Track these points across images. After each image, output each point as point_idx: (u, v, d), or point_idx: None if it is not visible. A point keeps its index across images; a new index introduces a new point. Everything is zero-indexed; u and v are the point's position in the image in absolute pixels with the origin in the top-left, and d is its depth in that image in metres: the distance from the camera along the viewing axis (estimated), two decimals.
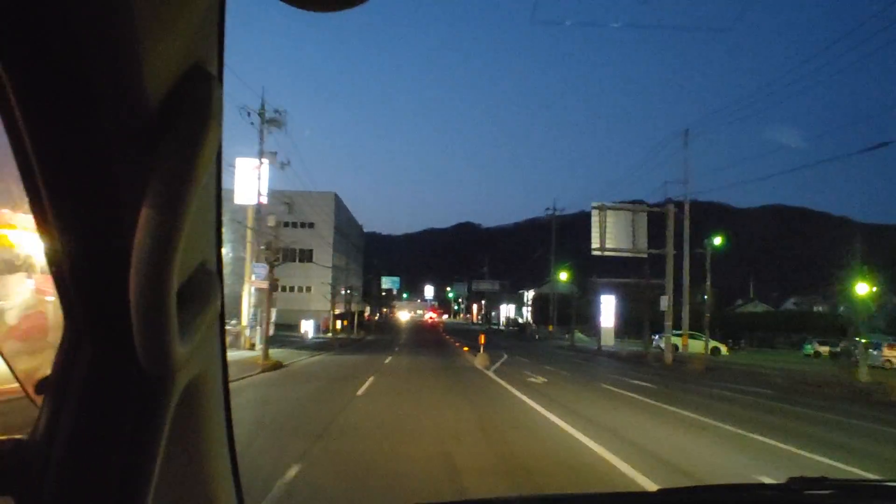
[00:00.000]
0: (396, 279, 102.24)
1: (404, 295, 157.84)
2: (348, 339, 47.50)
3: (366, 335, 56.53)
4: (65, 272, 0.76)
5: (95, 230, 0.74)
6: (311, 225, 68.81)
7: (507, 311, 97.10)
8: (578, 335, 61.43)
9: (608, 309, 49.14)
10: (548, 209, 64.44)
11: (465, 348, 34.07)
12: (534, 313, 73.23)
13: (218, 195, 0.91)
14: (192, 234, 0.72)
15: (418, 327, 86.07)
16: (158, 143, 0.68)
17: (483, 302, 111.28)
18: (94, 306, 0.78)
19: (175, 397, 0.84)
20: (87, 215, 0.73)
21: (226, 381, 1.07)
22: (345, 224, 73.76)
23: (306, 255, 69.36)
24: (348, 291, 53.77)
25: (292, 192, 60.76)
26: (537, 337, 61.46)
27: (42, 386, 0.83)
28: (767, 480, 6.00)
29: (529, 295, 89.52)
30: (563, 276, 61.07)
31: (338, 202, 71.97)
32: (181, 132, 0.69)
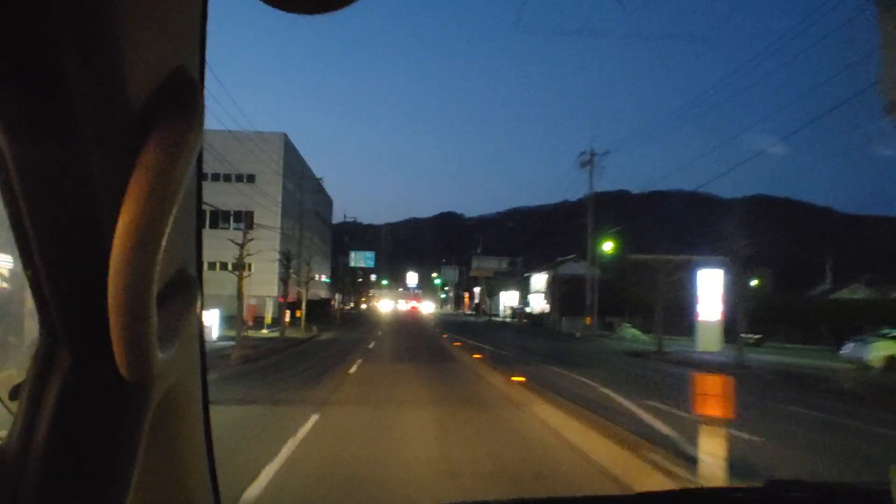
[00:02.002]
0: (371, 255, 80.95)
1: (384, 282, 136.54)
2: (281, 342, 27.06)
3: (319, 333, 35.97)
4: (41, 277, 0.72)
5: (73, 234, 0.71)
6: (252, 178, 47.98)
7: (507, 299, 76.89)
8: (632, 332, 41.46)
9: (712, 293, 29.13)
10: (583, 153, 44.41)
11: (517, 378, 13.58)
12: (554, 301, 53.21)
13: (198, 199, 0.89)
14: (173, 239, 0.70)
15: (400, 320, 64.53)
16: (140, 146, 0.66)
17: (478, 289, 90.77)
18: (72, 312, 0.75)
19: (153, 404, 0.81)
20: (65, 219, 0.70)
21: (205, 388, 1.03)
22: (299, 179, 52.82)
23: (244, 221, 48.72)
24: (291, 267, 33.18)
25: (217, 132, 39.65)
26: (578, 335, 41.24)
27: (17, 392, 0.79)
28: None
29: (540, 278, 69.45)
30: (609, 245, 41.13)
31: (289, 148, 51.08)
32: (163, 136, 0.66)
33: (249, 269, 46.44)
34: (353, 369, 16.73)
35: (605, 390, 13.43)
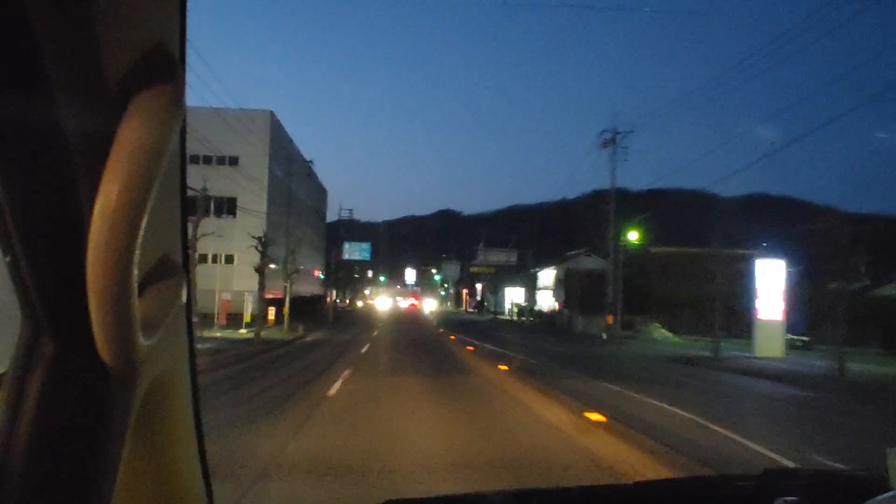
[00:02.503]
0: (367, 246, 74.87)
1: (381, 278, 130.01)
2: (254, 346, 21.95)
3: (305, 333, 30.90)
4: (21, 263, 0.69)
5: (52, 219, 0.68)
6: (235, 161, 42.76)
7: (513, 296, 71.87)
8: (662, 332, 36.49)
9: (774, 289, 24.11)
10: (605, 132, 39.32)
11: (593, 414, 8.40)
12: (570, 298, 48.17)
13: (182, 183, 0.86)
14: (155, 224, 0.67)
15: (398, 318, 58.29)
16: (119, 127, 0.63)
17: (480, 286, 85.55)
18: (54, 299, 0.72)
19: (140, 394, 0.79)
20: (43, 203, 0.67)
21: (194, 377, 1.00)
22: (287, 162, 47.63)
23: (226, 207, 43.50)
24: (268, 255, 28.15)
25: (198, 109, 34.39)
26: (603, 337, 36.06)
27: None
28: None
29: (547, 274, 64.55)
30: (634, 235, 36.25)
31: (276, 127, 45.89)
32: (140, 112, 0.64)
33: (231, 261, 41.47)
34: (334, 388, 11.63)
35: (725, 431, 8.36)
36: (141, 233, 0.63)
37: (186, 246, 0.89)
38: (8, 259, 0.68)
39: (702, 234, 38.02)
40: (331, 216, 71.04)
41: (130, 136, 0.62)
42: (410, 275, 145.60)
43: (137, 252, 0.64)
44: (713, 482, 1.86)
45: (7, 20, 0.56)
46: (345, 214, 69.42)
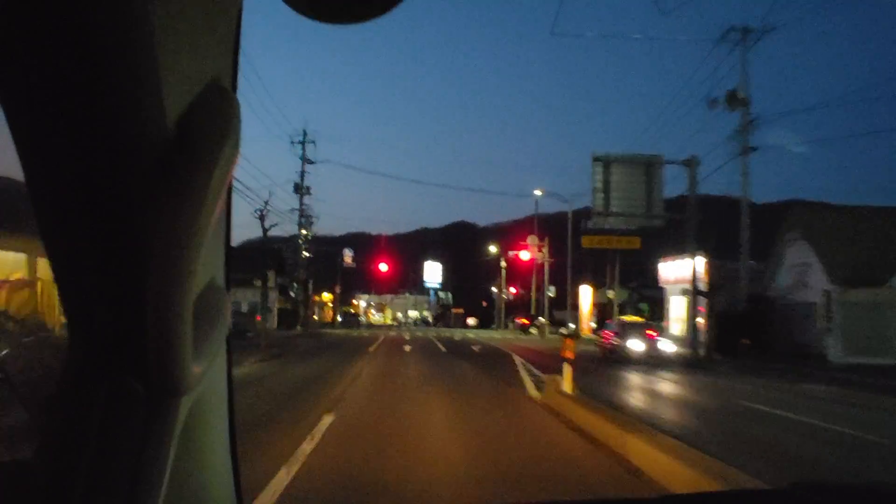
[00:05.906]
0: None
1: (382, 266, 72.82)
2: None
3: None
4: (73, 290, 0.71)
5: (107, 249, 0.68)
6: None
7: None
8: None
9: None
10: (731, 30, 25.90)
11: None
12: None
13: (228, 207, 0.88)
14: (205, 251, 0.69)
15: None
16: (176, 159, 0.65)
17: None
18: (106, 324, 0.72)
19: (182, 417, 0.79)
20: (99, 232, 0.67)
21: (231, 396, 1.02)
22: None
23: None
24: None
25: None
26: None
27: (47, 405, 0.78)
28: None
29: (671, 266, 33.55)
30: None
31: None
32: (200, 148, 0.65)
33: None
34: None
35: None
36: (199, 264, 0.65)
37: (229, 270, 0.89)
38: (60, 287, 0.69)
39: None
40: (339, 230, 55.29)
41: (190, 170, 0.63)
42: (432, 271, 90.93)
43: (195, 282, 0.65)
44: (741, 496, 1.85)
45: (72, 57, 0.56)
46: (361, 229, 54.02)
